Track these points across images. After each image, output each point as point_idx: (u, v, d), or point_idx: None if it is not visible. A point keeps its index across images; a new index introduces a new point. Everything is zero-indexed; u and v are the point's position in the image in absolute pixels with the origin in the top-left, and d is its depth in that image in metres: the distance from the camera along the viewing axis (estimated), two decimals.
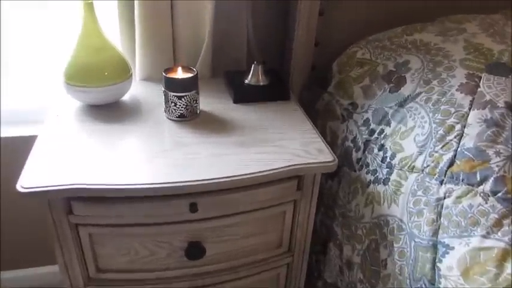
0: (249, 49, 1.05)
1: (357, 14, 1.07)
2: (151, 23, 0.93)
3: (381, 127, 0.85)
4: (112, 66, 0.83)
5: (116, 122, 0.83)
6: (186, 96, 0.82)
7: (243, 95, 0.93)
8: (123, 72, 0.85)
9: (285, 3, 1.05)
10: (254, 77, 0.97)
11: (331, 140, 0.98)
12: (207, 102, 0.91)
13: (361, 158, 0.88)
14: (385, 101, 0.86)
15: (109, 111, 0.86)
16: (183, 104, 0.82)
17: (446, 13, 1.04)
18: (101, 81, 0.82)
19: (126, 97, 0.91)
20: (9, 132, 1.04)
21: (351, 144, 0.92)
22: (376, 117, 0.86)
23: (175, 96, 0.81)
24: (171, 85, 0.81)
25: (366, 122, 0.89)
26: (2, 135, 1.03)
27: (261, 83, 0.96)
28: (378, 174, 0.82)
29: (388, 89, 0.87)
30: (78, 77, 0.81)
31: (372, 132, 0.86)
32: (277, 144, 0.79)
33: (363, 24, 1.08)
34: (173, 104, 0.82)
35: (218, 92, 0.97)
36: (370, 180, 0.83)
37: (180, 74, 0.83)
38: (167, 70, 0.83)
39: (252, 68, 0.97)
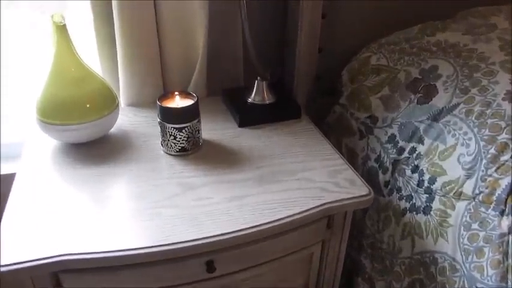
0: (246, 62, 0.93)
1: (363, 14, 0.96)
2: (134, 40, 0.79)
3: (411, 145, 0.74)
4: (94, 97, 0.70)
5: (105, 163, 0.69)
6: (187, 127, 0.69)
7: (249, 118, 0.81)
8: (108, 103, 0.72)
9: (282, 6, 0.94)
10: (258, 94, 0.85)
11: (349, 159, 0.88)
12: (208, 128, 0.79)
13: (389, 181, 0.78)
14: (413, 114, 0.76)
15: (95, 148, 0.72)
16: (185, 137, 0.69)
17: (459, 5, 0.95)
18: (83, 117, 0.68)
19: (112, 129, 0.77)
20: None
21: (375, 165, 0.81)
22: (405, 133, 0.76)
23: (174, 128, 0.68)
24: (169, 116, 0.68)
25: (392, 139, 0.79)
26: None
27: (267, 101, 0.85)
28: (414, 200, 0.71)
29: (416, 100, 0.77)
30: (55, 113, 0.67)
31: (401, 150, 0.76)
32: (300, 176, 0.67)
33: (370, 25, 0.97)
34: (172, 137, 0.69)
35: (218, 114, 0.85)
36: (406, 208, 0.73)
37: (177, 101, 0.71)
38: (162, 98, 0.70)
39: (256, 85, 0.85)
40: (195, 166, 0.69)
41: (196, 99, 0.70)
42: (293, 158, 0.72)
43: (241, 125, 0.81)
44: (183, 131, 0.69)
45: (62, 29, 0.65)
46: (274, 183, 0.66)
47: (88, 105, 0.69)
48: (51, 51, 0.66)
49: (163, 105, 0.68)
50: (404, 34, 0.89)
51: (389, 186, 0.78)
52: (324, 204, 0.62)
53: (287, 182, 0.66)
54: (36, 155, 0.71)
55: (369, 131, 0.84)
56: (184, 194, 0.63)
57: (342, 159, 0.72)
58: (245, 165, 0.70)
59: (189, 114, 0.69)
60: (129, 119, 0.82)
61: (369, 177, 0.82)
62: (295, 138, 0.77)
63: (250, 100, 0.85)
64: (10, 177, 0.68)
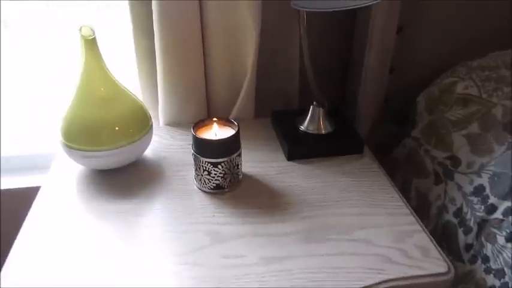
0: (302, 81, 0.80)
1: (447, 28, 0.80)
2: (176, 54, 0.70)
3: (508, 204, 0.57)
4: (125, 119, 0.61)
5: (130, 196, 0.60)
6: (224, 162, 0.58)
7: (300, 150, 0.69)
8: (140, 126, 0.63)
9: (349, 18, 0.80)
10: (313, 122, 0.72)
11: (419, 206, 0.72)
12: (251, 159, 0.67)
13: (472, 245, 0.61)
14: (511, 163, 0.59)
15: (122, 176, 0.64)
16: (220, 173, 0.59)
17: None
18: (111, 142, 0.60)
19: (145, 152, 0.69)
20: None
21: (454, 220, 0.65)
22: (498, 187, 0.59)
23: (209, 163, 0.58)
24: (203, 148, 0.58)
25: (480, 191, 0.62)
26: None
27: (323, 131, 0.71)
28: (507, 279, 0.55)
29: None
30: (79, 136, 0.60)
31: (492, 209, 0.59)
32: (357, 236, 0.54)
33: (455, 42, 0.80)
34: (206, 172, 0.59)
35: (264, 141, 0.73)
36: (494, 286, 0.56)
37: (215, 130, 0.60)
38: (198, 125, 0.60)
39: (310, 111, 0.72)
40: (230, 209, 0.58)
41: (237, 129, 0.59)
42: (350, 209, 0.58)
43: (290, 158, 0.68)
44: (219, 166, 0.58)
45: (91, 44, 0.57)
46: (323, 243, 0.53)
47: (117, 128, 0.61)
48: (78, 67, 0.59)
49: (197, 136, 0.58)
50: (502, 57, 0.72)
51: (471, 252, 0.61)
52: (387, 281, 0.48)
53: (340, 243, 0.53)
54: (61, 176, 0.64)
55: (448, 175, 0.68)
56: (213, 247, 0.52)
57: (413, 217, 0.57)
58: (290, 213, 0.57)
59: (227, 148, 0.58)
60: (164, 142, 0.73)
61: (445, 234, 0.66)
62: (354, 181, 0.64)
63: (302, 128, 0.72)
64: (34, 191, 0.62)
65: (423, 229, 0.55)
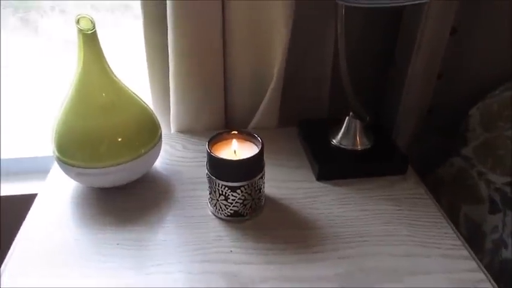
0: (332, 88, 0.70)
1: (505, 32, 0.68)
2: (191, 54, 0.61)
3: None
4: (129, 129, 0.52)
5: (133, 222, 0.51)
6: (245, 186, 0.48)
7: (332, 169, 0.59)
8: (148, 137, 0.54)
9: (394, 16, 0.69)
10: (348, 137, 0.61)
11: (470, 237, 0.61)
12: (273, 177, 0.57)
13: None
14: None
15: (125, 195, 0.55)
16: (240, 199, 0.49)
17: None
18: (113, 156, 0.51)
19: (154, 164, 0.60)
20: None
21: None
22: None
23: (226, 187, 0.48)
24: (221, 169, 0.48)
25: None
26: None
27: (359, 147, 0.61)
28: None
29: None
30: (75, 150, 0.51)
31: None
32: (406, 284, 0.43)
33: None
34: (223, 197, 0.49)
35: (289, 156, 0.63)
36: None
37: (234, 147, 0.50)
38: (213, 141, 0.50)
39: (346, 123, 0.62)
40: (250, 243, 0.49)
41: (260, 147, 0.49)
42: (396, 247, 0.48)
43: (321, 178, 0.58)
44: (238, 191, 0.48)
45: (90, 39, 0.48)
46: None
47: (120, 140, 0.52)
48: (74, 67, 0.50)
49: (213, 154, 0.48)
50: None
51: None
52: None
53: None
54: (56, 189, 0.56)
55: (508, 204, 0.57)
56: None
57: (475, 261, 0.47)
58: (323, 252, 0.47)
59: (248, 169, 0.48)
60: (176, 153, 0.64)
61: (503, 273, 0.56)
62: (398, 210, 0.53)
63: (335, 142, 0.62)
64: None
65: (488, 279, 0.44)
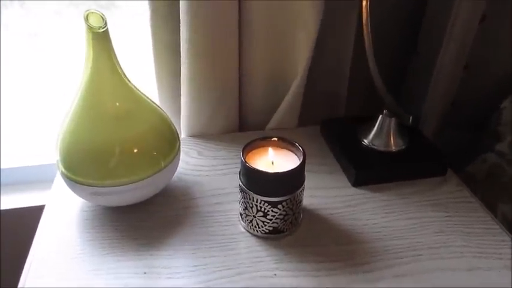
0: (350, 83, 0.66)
1: None
2: (205, 53, 0.54)
3: None
4: (147, 141, 0.45)
5: (150, 244, 0.45)
6: (286, 201, 0.43)
7: (370, 174, 0.54)
8: (168, 148, 0.47)
9: (415, 7, 0.64)
10: (381, 136, 0.57)
11: None
12: (307, 185, 0.52)
13: None
14: None
15: (140, 213, 0.48)
16: (281, 214, 0.44)
17: None
18: (127, 173, 0.44)
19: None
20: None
21: None
22: None
23: (266, 202, 0.43)
24: (259, 183, 0.43)
25: None
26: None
27: (393, 148, 0.56)
28: None
29: None
30: (85, 166, 0.44)
31: None
32: None
33: None
34: (261, 213, 0.44)
35: (317, 159, 0.58)
36: None
37: (271, 157, 0.44)
38: (247, 149, 0.44)
39: (379, 122, 0.57)
40: (295, 263, 0.43)
41: (302, 156, 0.43)
42: (454, 260, 0.44)
43: (358, 183, 0.53)
44: (279, 206, 0.43)
45: (101, 38, 0.41)
46: None
47: (136, 151, 0.45)
48: (82, 71, 0.42)
49: (250, 166, 0.42)
50: None
51: None
52: None
53: None
54: (61, 210, 0.49)
55: None
56: None
57: None
58: (376, 269, 0.43)
59: (291, 182, 0.43)
60: (191, 161, 0.58)
61: None
62: (447, 216, 0.49)
63: (366, 142, 0.57)
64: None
65: None
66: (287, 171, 0.41)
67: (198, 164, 0.57)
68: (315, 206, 0.50)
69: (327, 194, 0.52)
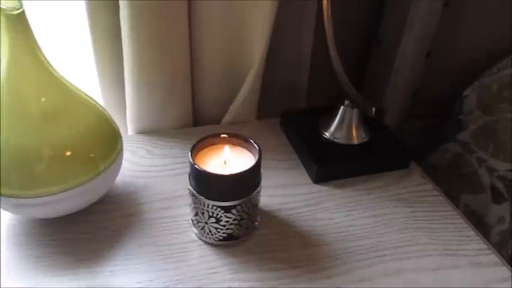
0: (314, 72, 0.62)
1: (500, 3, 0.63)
2: (157, 48, 0.49)
3: None
4: (81, 141, 0.39)
5: (91, 259, 0.40)
6: (241, 204, 0.39)
7: (332, 169, 0.51)
8: (107, 148, 0.42)
9: None
10: (342, 129, 0.53)
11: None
12: (266, 184, 0.47)
13: None
14: None
15: (79, 223, 0.43)
16: (235, 219, 0.39)
17: None
18: (61, 180, 0.38)
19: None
20: None
21: None
22: None
23: (219, 207, 0.38)
24: (211, 187, 0.38)
25: None
26: None
27: (355, 141, 0.54)
28: None
29: None
30: (9, 177, 0.38)
31: None
32: None
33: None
34: (214, 219, 0.39)
35: (277, 154, 0.54)
36: None
37: (226, 156, 0.40)
38: (196, 148, 0.40)
39: (340, 114, 0.54)
40: (252, 273, 0.39)
41: (258, 155, 0.39)
42: (420, 260, 0.41)
43: (319, 180, 0.50)
44: (234, 211, 0.39)
45: (18, 22, 0.34)
46: None
47: (68, 153, 0.39)
48: None
49: (199, 168, 0.37)
50: None
51: None
52: None
53: None
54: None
55: None
56: None
57: (506, 267, 0.41)
58: (338, 273, 0.39)
59: (245, 184, 0.39)
60: (140, 161, 0.52)
61: None
62: (412, 212, 0.47)
63: (328, 135, 0.54)
64: None
65: None
66: (240, 173, 0.37)
67: (146, 164, 0.52)
68: (274, 206, 0.47)
69: (287, 192, 0.49)
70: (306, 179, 0.51)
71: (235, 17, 0.52)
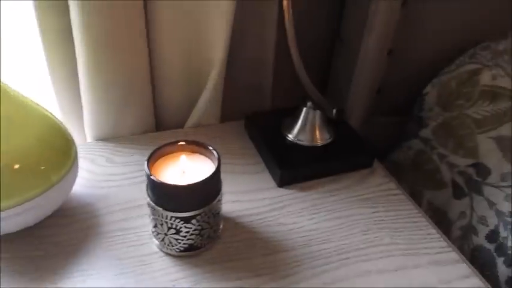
0: (277, 74, 0.62)
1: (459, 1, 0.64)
2: (110, 48, 0.47)
3: None
4: (30, 152, 0.38)
5: (48, 276, 0.38)
6: (201, 214, 0.38)
7: (296, 173, 0.50)
8: (59, 158, 0.40)
9: None
10: (305, 131, 0.53)
11: (435, 224, 0.58)
12: (228, 189, 0.47)
13: None
14: None
15: (34, 239, 0.41)
16: (196, 229, 0.38)
17: None
18: (8, 195, 0.36)
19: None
20: None
21: (488, 245, 0.52)
22: None
23: (178, 218, 0.37)
24: (169, 198, 0.37)
25: None
26: None
27: (319, 142, 0.53)
28: None
29: None
30: None
31: None
32: None
33: (469, 20, 0.65)
34: (173, 230, 0.38)
35: (241, 159, 0.53)
36: None
37: (183, 165, 0.39)
38: (153, 158, 0.38)
39: (303, 116, 0.53)
40: (212, 283, 0.38)
41: (217, 161, 0.38)
42: (383, 260, 0.42)
43: (283, 183, 0.50)
44: (193, 221, 0.38)
45: None
46: None
47: (16, 166, 0.37)
48: None
49: (156, 180, 0.36)
50: None
51: None
52: None
53: None
54: None
55: (474, 187, 0.55)
56: None
57: (466, 264, 0.42)
58: (301, 279, 0.39)
59: (204, 193, 0.38)
60: (98, 170, 0.50)
61: (476, 262, 0.53)
62: (375, 213, 0.47)
63: (291, 138, 0.54)
64: None
65: (485, 285, 0.40)
66: (198, 182, 0.36)
67: (106, 173, 0.50)
68: (238, 212, 0.46)
69: (251, 197, 0.48)
70: (271, 182, 0.50)
71: (193, 17, 0.50)
